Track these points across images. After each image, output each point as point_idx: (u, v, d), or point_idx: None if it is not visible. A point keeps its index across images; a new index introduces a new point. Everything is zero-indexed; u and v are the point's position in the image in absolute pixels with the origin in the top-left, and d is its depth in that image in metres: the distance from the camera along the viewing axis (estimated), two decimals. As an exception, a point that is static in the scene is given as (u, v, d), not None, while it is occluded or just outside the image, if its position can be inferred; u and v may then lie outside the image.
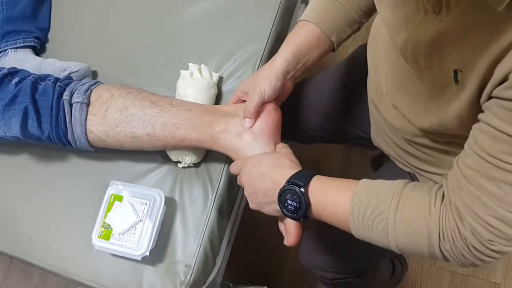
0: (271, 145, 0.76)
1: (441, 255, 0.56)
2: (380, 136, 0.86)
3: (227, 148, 0.76)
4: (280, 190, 0.65)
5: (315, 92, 1.01)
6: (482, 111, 0.51)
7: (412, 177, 0.85)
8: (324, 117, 1.01)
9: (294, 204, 0.64)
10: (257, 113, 0.76)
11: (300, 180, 0.64)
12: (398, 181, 0.60)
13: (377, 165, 1.55)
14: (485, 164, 0.49)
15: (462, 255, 0.54)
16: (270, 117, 0.77)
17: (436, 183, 0.77)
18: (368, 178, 0.63)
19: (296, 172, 0.66)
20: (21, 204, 0.87)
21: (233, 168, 0.76)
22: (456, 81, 0.53)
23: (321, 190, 0.64)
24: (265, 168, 0.69)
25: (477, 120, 0.52)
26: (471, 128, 0.54)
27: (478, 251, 0.52)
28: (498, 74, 0.47)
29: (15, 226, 0.86)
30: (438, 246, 0.55)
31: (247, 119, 0.76)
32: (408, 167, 0.83)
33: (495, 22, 0.46)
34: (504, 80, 0.46)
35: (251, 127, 0.76)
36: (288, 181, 0.65)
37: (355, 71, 0.93)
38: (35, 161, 0.89)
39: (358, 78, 0.90)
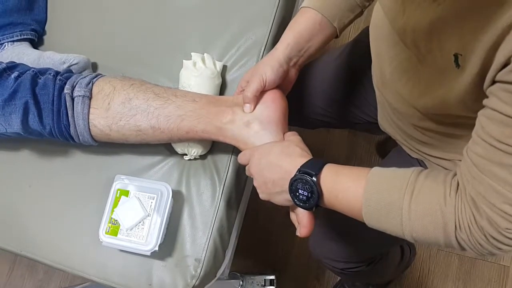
0: (280, 134, 0.74)
1: (457, 245, 0.55)
2: (387, 121, 0.85)
3: (235, 139, 0.75)
4: (291, 180, 0.64)
5: (319, 75, 1.00)
6: (484, 94, 0.50)
7: (421, 164, 0.84)
8: (328, 101, 0.99)
9: (306, 194, 0.63)
10: (257, 98, 0.74)
11: (311, 169, 0.63)
12: (412, 169, 0.59)
13: (383, 151, 1.54)
14: (495, 151, 0.48)
15: (480, 244, 0.53)
16: (277, 105, 0.75)
17: (445, 168, 0.76)
18: (373, 164, 0.62)
19: (307, 161, 0.65)
20: (24, 201, 0.86)
21: (242, 159, 0.74)
22: (457, 65, 0.52)
23: (333, 179, 0.63)
24: (275, 157, 0.68)
25: (480, 102, 0.51)
26: (474, 109, 0.53)
27: (496, 240, 0.51)
28: (499, 57, 0.46)
29: (20, 223, 0.85)
30: (454, 236, 0.54)
31: (247, 104, 0.74)
32: (417, 152, 0.82)
33: (492, 5, 0.45)
34: (506, 63, 0.45)
35: (251, 112, 0.74)
36: (299, 170, 0.63)
37: (360, 53, 0.91)
38: (38, 158, 0.87)
39: (364, 61, 0.88)
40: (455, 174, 0.56)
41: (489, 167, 0.49)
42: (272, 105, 0.75)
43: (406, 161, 0.86)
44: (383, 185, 0.58)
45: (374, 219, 0.59)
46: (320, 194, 0.63)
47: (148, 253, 0.74)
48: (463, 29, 0.49)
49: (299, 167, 0.64)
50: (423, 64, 0.60)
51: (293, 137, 0.73)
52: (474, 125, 0.53)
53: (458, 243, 0.54)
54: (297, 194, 0.64)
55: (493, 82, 0.48)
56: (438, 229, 0.54)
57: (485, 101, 0.50)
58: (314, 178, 0.62)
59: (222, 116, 0.74)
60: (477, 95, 0.52)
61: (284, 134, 0.75)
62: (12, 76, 0.76)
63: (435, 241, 0.56)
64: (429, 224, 0.54)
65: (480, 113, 0.51)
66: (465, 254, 1.46)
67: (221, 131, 0.74)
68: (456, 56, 0.52)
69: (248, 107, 0.74)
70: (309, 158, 0.66)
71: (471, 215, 0.52)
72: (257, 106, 0.75)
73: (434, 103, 0.61)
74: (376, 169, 0.61)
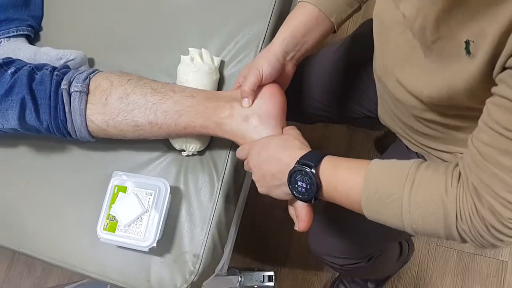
0: (279, 128, 0.74)
1: (458, 236, 0.54)
2: (387, 114, 0.84)
3: (233, 133, 0.74)
4: (290, 172, 0.64)
5: (318, 69, 0.99)
6: (493, 82, 0.49)
7: (420, 158, 0.84)
8: (327, 95, 0.99)
9: (305, 186, 0.63)
10: (255, 92, 0.74)
11: (310, 161, 0.62)
12: (412, 160, 0.58)
13: (382, 147, 1.54)
14: (501, 138, 0.47)
15: (481, 235, 0.52)
16: (276, 100, 0.75)
17: (446, 161, 0.76)
18: (371, 159, 0.61)
19: (306, 153, 0.65)
20: (22, 198, 0.85)
21: (240, 153, 0.74)
22: (468, 52, 0.51)
23: (333, 171, 0.63)
24: (274, 150, 0.67)
25: (488, 91, 0.50)
26: (481, 99, 0.52)
27: (498, 230, 0.50)
28: (511, 43, 0.45)
29: (17, 220, 0.84)
30: (455, 226, 0.53)
31: (245, 99, 0.74)
32: (417, 145, 0.82)
33: None
34: None
35: (249, 106, 0.74)
36: (298, 162, 0.63)
37: (360, 47, 0.91)
38: (35, 154, 0.86)
39: (363, 55, 0.88)
40: (456, 165, 0.55)
41: (494, 155, 0.48)
42: (271, 100, 0.75)
43: (405, 155, 0.85)
44: (383, 176, 0.58)
45: (373, 211, 0.59)
46: (319, 186, 0.62)
47: (146, 249, 0.74)
48: (475, 15, 0.48)
49: (298, 159, 0.64)
50: (427, 54, 0.59)
51: (291, 131, 0.73)
52: (477, 117, 0.52)
53: (459, 234, 0.53)
54: (296, 186, 0.64)
55: (503, 68, 0.47)
56: (439, 220, 0.53)
57: (493, 89, 0.49)
58: (313, 170, 0.61)
59: (220, 111, 0.74)
60: (486, 84, 0.51)
61: (282, 128, 0.75)
62: (9, 71, 0.75)
63: (436, 232, 0.55)
64: (430, 215, 0.54)
65: (488, 100, 0.50)
66: (464, 250, 1.46)
67: (220, 126, 0.74)
68: (467, 43, 0.50)
69: (246, 101, 0.74)
70: (308, 151, 0.66)
71: (473, 205, 0.51)
72: (256, 101, 0.75)
73: (440, 93, 0.60)
74: (376, 161, 0.61)
